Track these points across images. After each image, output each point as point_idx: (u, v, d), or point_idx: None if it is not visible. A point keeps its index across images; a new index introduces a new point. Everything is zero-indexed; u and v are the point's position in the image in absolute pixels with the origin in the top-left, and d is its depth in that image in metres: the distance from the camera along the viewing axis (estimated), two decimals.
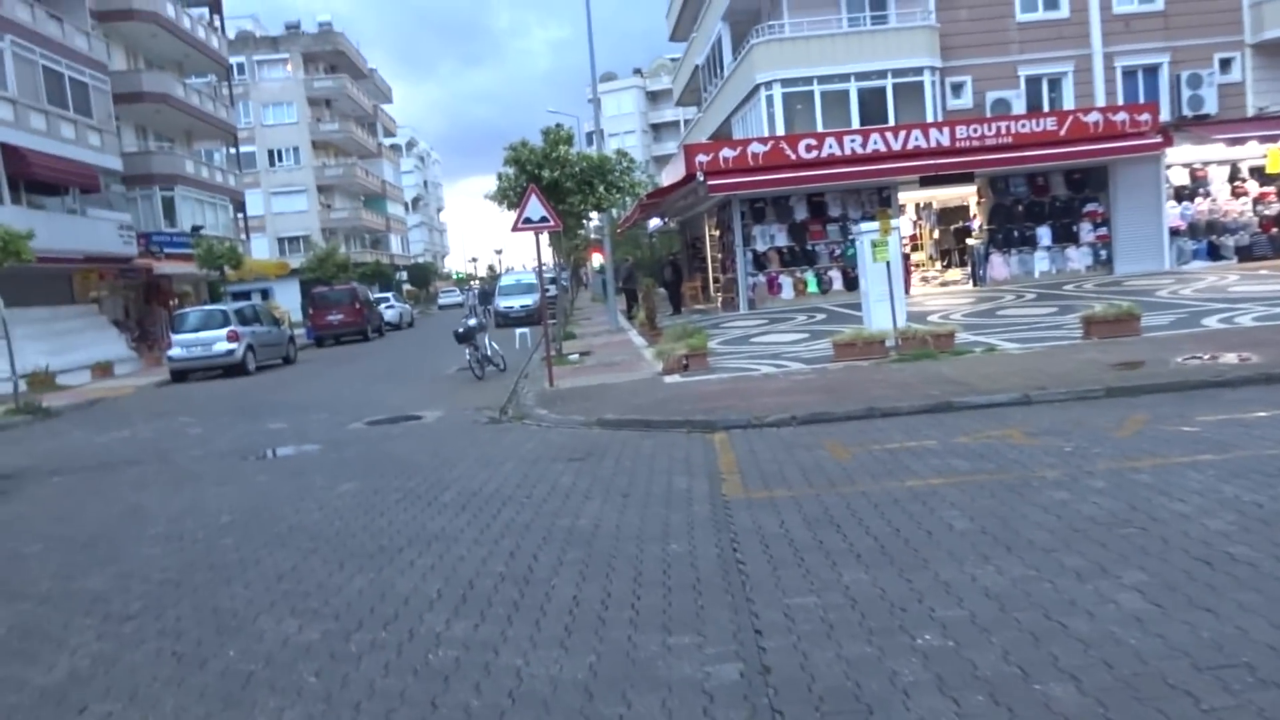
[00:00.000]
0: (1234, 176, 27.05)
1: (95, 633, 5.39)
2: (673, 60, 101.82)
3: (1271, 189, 26.91)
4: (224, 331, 23.78)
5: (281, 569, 6.37)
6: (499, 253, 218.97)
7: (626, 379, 15.07)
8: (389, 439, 11.82)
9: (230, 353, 23.74)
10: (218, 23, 47.74)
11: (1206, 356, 11.68)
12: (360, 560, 6.40)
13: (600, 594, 5.30)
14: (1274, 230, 26.70)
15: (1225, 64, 28.71)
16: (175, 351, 23.90)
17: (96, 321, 33.49)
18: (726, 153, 25.36)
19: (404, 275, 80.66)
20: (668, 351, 15.05)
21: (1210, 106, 28.16)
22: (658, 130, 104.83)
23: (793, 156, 25.18)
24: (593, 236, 44.69)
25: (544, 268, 18.14)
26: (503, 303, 36.85)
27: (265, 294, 51.43)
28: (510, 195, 17.95)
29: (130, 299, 37.90)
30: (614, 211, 26.83)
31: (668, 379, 14.42)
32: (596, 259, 54.38)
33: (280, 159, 69.60)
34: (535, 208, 14.61)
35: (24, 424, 17.28)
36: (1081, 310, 15.94)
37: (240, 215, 48.66)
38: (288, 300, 51.41)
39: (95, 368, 26.04)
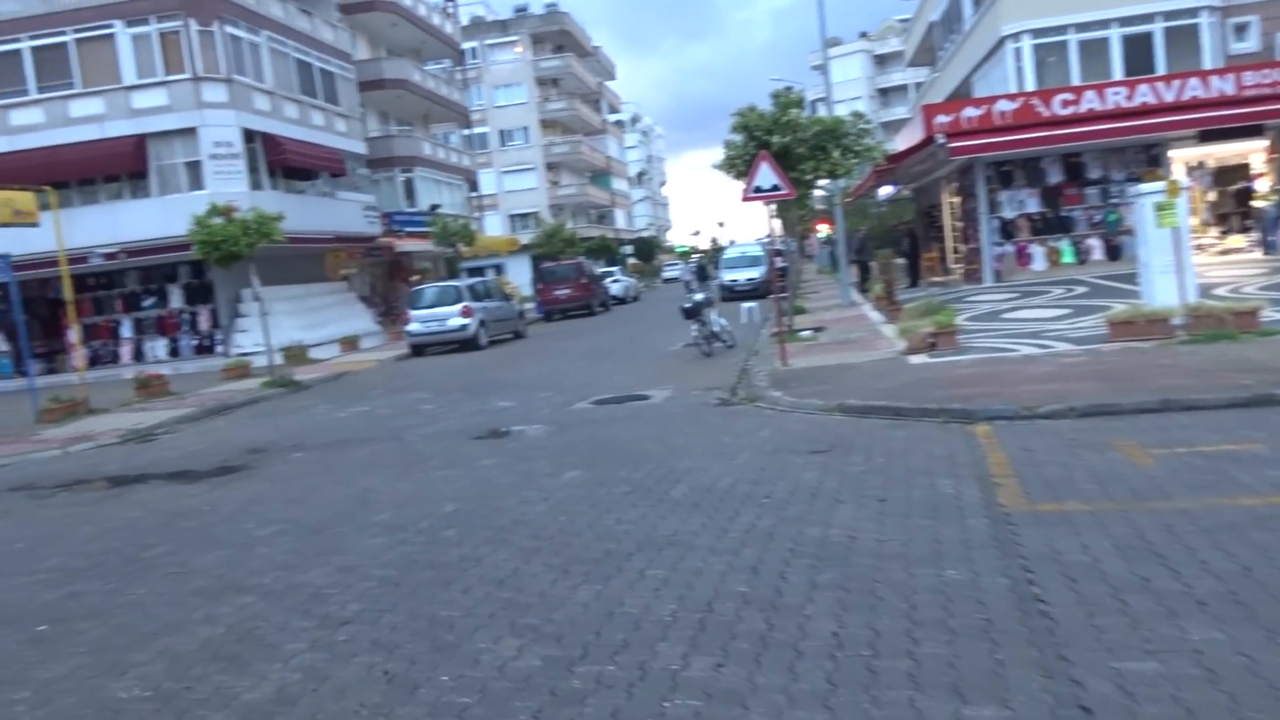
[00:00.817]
0: None
1: (309, 639, 5.02)
2: (901, 21, 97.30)
3: None
4: (458, 307, 24.32)
5: (502, 572, 5.84)
6: (721, 225, 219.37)
7: (866, 359, 13.92)
8: (614, 421, 11.31)
9: (464, 328, 24.26)
10: (451, 9, 49.42)
11: None
12: (585, 567, 5.78)
13: (866, 633, 4.39)
14: None
15: None
16: (413, 326, 24.69)
17: (346, 298, 35.49)
18: (970, 112, 23.38)
19: (628, 249, 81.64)
20: (912, 329, 13.78)
21: None
22: (885, 95, 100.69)
23: (1045, 114, 22.87)
24: (818, 207, 43.00)
25: (771, 239, 17.15)
26: (727, 276, 36.08)
27: (499, 270, 53.15)
28: (738, 164, 17.05)
29: (376, 276, 39.94)
30: (842, 180, 25.35)
31: (913, 359, 13.17)
32: (823, 230, 52.66)
33: (510, 139, 71.75)
34: (766, 175, 13.67)
35: (277, 396, 18.15)
36: None
37: (474, 194, 50.41)
38: (518, 276, 52.91)
39: (343, 342, 27.40)
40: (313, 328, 29.75)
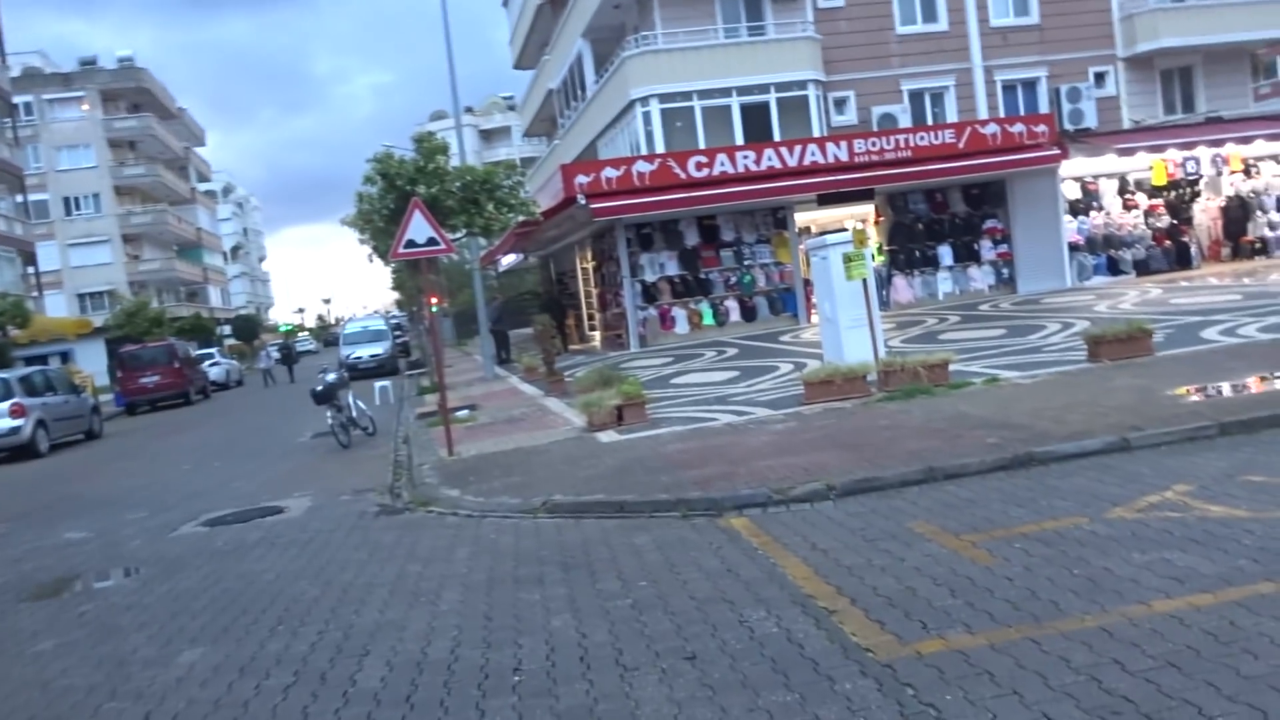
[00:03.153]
0: (1123, 189, 26.27)
1: None
2: (505, 98, 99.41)
3: (1160, 201, 26.28)
4: (5, 405, 19.06)
5: None
6: (327, 302, 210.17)
7: (546, 440, 11.91)
8: (243, 551, 8.29)
9: (15, 430, 19.02)
10: None
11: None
12: None
13: None
14: (1167, 243, 25.99)
15: (1099, 78, 28.21)
16: None
17: None
18: (609, 172, 22.59)
19: (227, 329, 74.26)
20: (596, 402, 12.01)
21: (1090, 120, 27.44)
22: None
23: (682, 175, 22.64)
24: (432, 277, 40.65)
25: (390, 313, 14.68)
26: (349, 352, 32.78)
27: (65, 357, 45.09)
28: (375, 219, 14.56)
29: None
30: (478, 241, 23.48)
31: (602, 437, 11.37)
32: (434, 304, 50.48)
33: (78, 207, 62.44)
34: (420, 227, 11.33)
35: None
36: (1024, 331, 14.17)
37: (31, 269, 42.56)
38: (92, 363, 45.14)
39: None
40: None
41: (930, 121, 27.08)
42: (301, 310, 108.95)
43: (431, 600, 6.02)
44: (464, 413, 15.26)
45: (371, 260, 17.04)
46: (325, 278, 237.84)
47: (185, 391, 31.18)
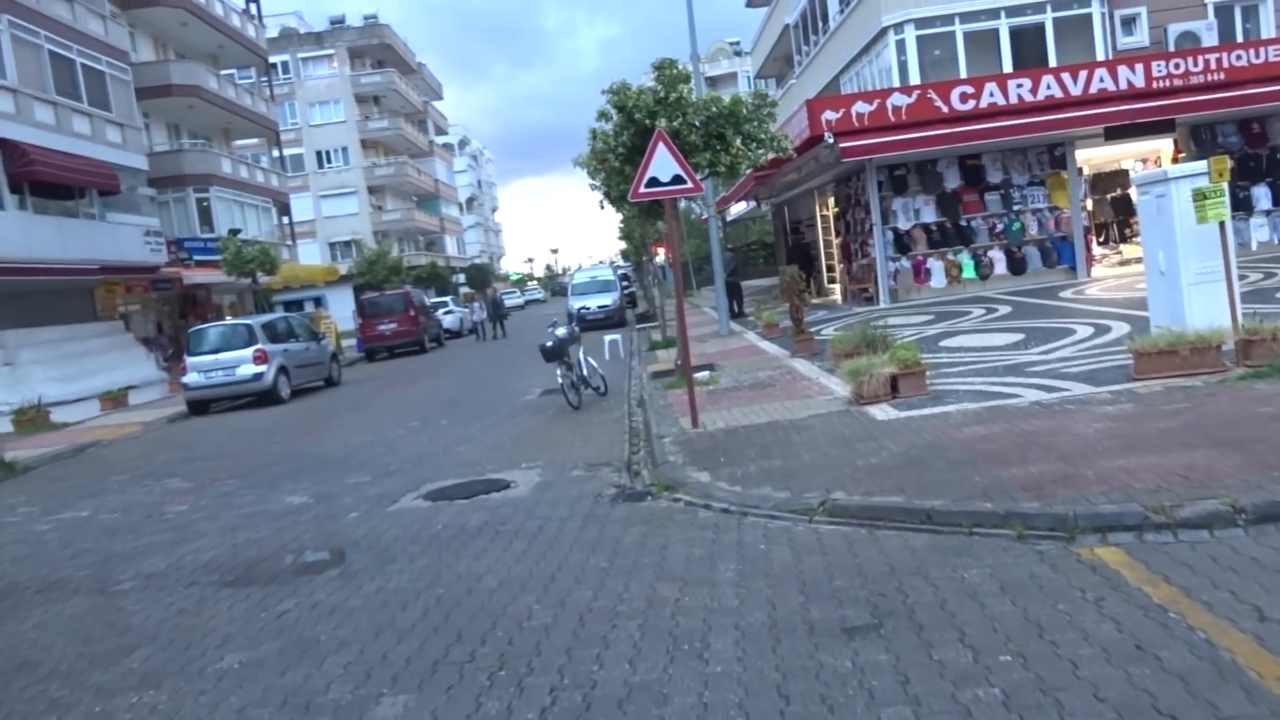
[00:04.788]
0: None
1: None
2: (731, 44, 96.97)
3: None
4: (249, 352, 19.28)
5: None
6: (554, 252, 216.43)
7: (805, 412, 10.16)
8: (464, 541, 7.08)
9: (258, 377, 19.24)
10: (255, 11, 43.80)
11: None
12: None
13: None
14: None
15: None
16: (191, 378, 19.42)
17: (121, 340, 29.54)
18: (860, 107, 20.27)
19: (461, 277, 76.75)
20: (865, 369, 10.12)
21: None
22: None
23: (944, 109, 20.02)
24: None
25: (615, 263, 13.16)
26: (576, 303, 32.18)
27: (318, 301, 47.66)
28: (610, 157, 13.14)
29: (164, 313, 33.99)
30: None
31: (875, 413, 9.49)
32: (660, 255, 49.36)
33: (329, 160, 65.76)
34: (665, 164, 9.76)
35: None
36: None
37: (286, 219, 44.71)
38: (340, 309, 47.36)
39: (104, 397, 21.82)
40: (74, 379, 24.08)
41: (1241, 39, 22.97)
42: (530, 260, 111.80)
43: (698, 651, 4.46)
44: (704, 374, 13.73)
45: (603, 206, 15.77)
46: (551, 228, 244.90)
47: (420, 339, 31.58)
